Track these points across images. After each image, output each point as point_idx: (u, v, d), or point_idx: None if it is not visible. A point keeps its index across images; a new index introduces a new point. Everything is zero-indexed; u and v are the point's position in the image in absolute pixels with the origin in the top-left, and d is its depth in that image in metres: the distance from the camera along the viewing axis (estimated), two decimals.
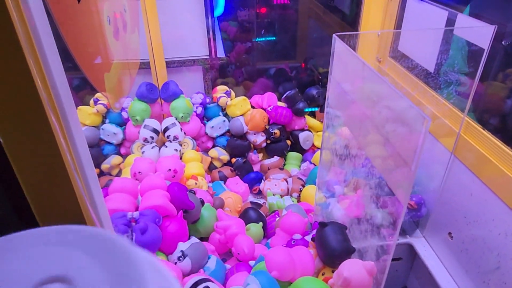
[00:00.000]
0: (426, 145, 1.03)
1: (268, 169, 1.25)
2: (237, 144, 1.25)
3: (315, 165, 1.21)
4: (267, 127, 1.26)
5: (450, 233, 0.93)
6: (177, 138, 1.17)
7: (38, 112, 0.33)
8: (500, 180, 0.74)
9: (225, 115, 1.30)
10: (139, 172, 0.99)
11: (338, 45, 0.68)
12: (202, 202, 0.92)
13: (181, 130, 1.18)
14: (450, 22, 0.85)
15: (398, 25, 1.13)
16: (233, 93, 1.32)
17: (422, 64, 0.97)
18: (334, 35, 0.67)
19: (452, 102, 0.90)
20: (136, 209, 0.81)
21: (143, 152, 1.15)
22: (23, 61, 0.30)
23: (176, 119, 1.19)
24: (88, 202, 0.43)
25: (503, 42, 0.92)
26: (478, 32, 0.76)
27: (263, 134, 1.27)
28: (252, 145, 1.29)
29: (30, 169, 0.35)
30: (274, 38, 2.01)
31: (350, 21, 1.50)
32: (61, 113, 0.37)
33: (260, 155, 1.30)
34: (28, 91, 0.31)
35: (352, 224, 0.81)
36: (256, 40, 1.93)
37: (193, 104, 1.25)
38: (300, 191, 1.14)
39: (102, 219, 0.47)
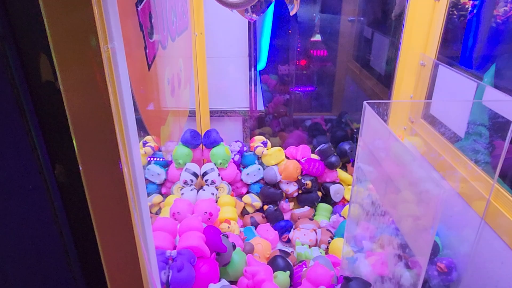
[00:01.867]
0: (457, 208, 1.05)
1: (298, 219, 1.28)
2: (270, 192, 1.31)
3: (344, 218, 1.24)
4: (299, 177, 1.32)
5: None
6: (214, 183, 1.25)
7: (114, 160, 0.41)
8: None
9: (261, 163, 1.37)
10: (178, 212, 1.07)
11: (368, 111, 0.75)
12: (234, 246, 0.97)
13: (219, 175, 1.27)
14: (479, 92, 0.90)
15: (430, 89, 1.19)
16: (269, 143, 1.40)
17: (452, 128, 1.01)
18: (364, 103, 0.74)
19: (482, 168, 0.92)
20: (174, 248, 0.88)
21: (182, 194, 1.23)
22: (111, 126, 0.39)
23: (215, 164, 1.28)
24: (142, 239, 0.50)
25: None
26: (505, 105, 0.80)
27: (295, 184, 1.33)
28: (284, 194, 1.34)
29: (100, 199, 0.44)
30: (311, 90, 2.12)
31: (385, 82, 1.58)
32: (130, 158, 0.46)
33: (291, 204, 1.35)
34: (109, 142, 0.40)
35: (376, 282, 0.82)
36: (295, 90, 2.04)
37: (232, 151, 1.34)
38: (329, 243, 1.17)
39: (150, 254, 0.54)
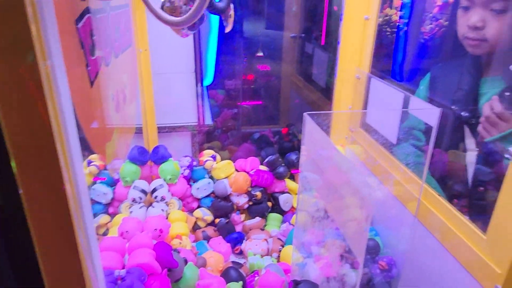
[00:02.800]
0: (394, 209, 1.13)
1: (250, 230, 1.31)
2: (221, 205, 1.33)
3: (294, 226, 1.28)
4: (249, 189, 1.35)
5: None
6: (164, 199, 1.24)
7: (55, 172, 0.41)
8: (455, 243, 0.83)
9: (211, 177, 1.38)
10: (126, 231, 1.05)
11: (309, 122, 0.80)
12: (185, 261, 0.97)
13: (168, 191, 1.26)
14: (406, 102, 1.00)
15: (366, 100, 1.28)
16: (218, 157, 1.42)
17: (385, 135, 1.10)
18: (304, 114, 0.79)
19: (412, 170, 1.01)
20: (123, 267, 0.86)
21: (131, 212, 1.21)
22: (52, 145, 0.39)
23: (164, 180, 1.27)
24: (88, 259, 0.49)
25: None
26: (428, 113, 0.90)
27: (245, 196, 1.35)
28: (235, 206, 1.36)
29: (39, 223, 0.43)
30: (258, 103, 2.18)
31: (326, 94, 1.67)
32: (74, 179, 0.45)
33: (243, 216, 1.37)
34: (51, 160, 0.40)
35: (323, 283, 0.87)
36: (242, 104, 2.09)
37: (181, 166, 1.34)
38: (280, 251, 1.20)
39: (98, 276, 0.53)
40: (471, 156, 1.07)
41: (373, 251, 1.10)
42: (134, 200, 1.22)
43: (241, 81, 2.05)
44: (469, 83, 1.11)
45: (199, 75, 1.38)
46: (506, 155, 0.62)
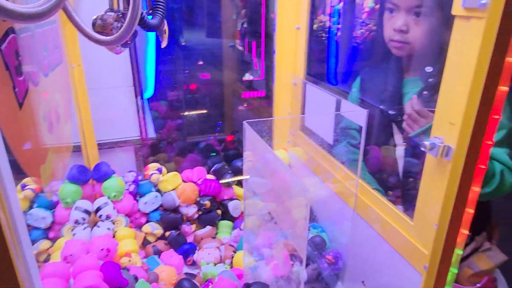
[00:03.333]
0: (337, 205, 1.20)
1: (201, 239, 1.31)
2: (170, 217, 1.31)
3: None
4: (198, 199, 1.35)
5: (363, 282, 1.06)
6: (109, 217, 1.20)
7: None
8: (389, 231, 0.90)
9: (158, 190, 1.36)
10: (70, 255, 1.00)
11: (248, 130, 0.83)
12: (136, 279, 0.95)
13: (114, 208, 1.22)
14: (339, 105, 1.07)
15: (303, 104, 1.35)
16: (164, 169, 1.40)
17: (323, 137, 1.17)
18: (244, 122, 0.82)
19: (349, 168, 1.09)
20: None
21: (74, 234, 1.15)
22: None
23: (109, 198, 1.23)
24: None
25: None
26: (357, 114, 0.97)
27: (194, 206, 1.35)
28: (184, 217, 1.35)
29: None
30: (202, 113, 2.18)
31: (268, 101, 1.73)
32: (7, 205, 0.44)
33: (193, 226, 1.36)
34: None
35: (273, 283, 0.90)
36: (186, 114, 2.08)
37: (126, 182, 1.31)
38: (232, 257, 1.21)
39: None
40: (400, 150, 1.18)
41: (319, 247, 1.16)
42: (77, 222, 1.17)
43: (183, 91, 2.05)
44: (393, 84, 1.21)
45: (139, 88, 1.36)
46: (422, 148, 0.70)
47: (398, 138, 1.19)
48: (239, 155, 1.61)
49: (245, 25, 2.01)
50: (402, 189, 1.18)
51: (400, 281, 0.88)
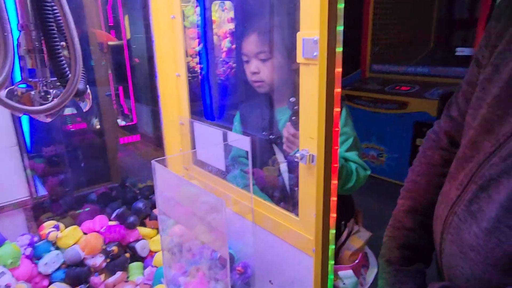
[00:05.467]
0: (238, 223, 1.38)
1: (114, 286, 1.32)
2: (77, 272, 1.29)
3: (156, 267, 1.37)
4: (104, 247, 1.36)
5: (270, 281, 1.25)
6: (9, 286, 1.12)
7: None
8: (282, 230, 1.12)
9: (57, 248, 1.32)
10: None
11: (158, 167, 0.95)
12: None
13: (13, 276, 1.15)
14: (225, 136, 1.27)
15: (193, 140, 1.52)
16: (62, 225, 1.37)
17: (216, 166, 1.35)
18: (153, 162, 0.94)
19: (243, 188, 1.29)
20: None
21: None
22: None
23: (5, 266, 1.15)
24: None
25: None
26: (242, 141, 1.19)
27: (101, 255, 1.36)
28: (92, 269, 1.34)
29: None
30: (84, 164, 2.13)
31: (156, 143, 1.84)
32: None
33: (102, 276, 1.36)
34: None
35: None
36: (69, 168, 2.02)
37: (21, 246, 1.24)
38: None
39: None
40: (283, 166, 1.45)
41: (230, 261, 1.31)
42: None
43: (62, 144, 1.99)
44: (268, 114, 1.49)
45: (24, 147, 1.32)
46: (295, 159, 0.94)
47: (280, 157, 1.45)
48: (136, 197, 1.67)
49: (109, 71, 2.09)
50: (289, 196, 1.44)
51: (298, 268, 1.10)
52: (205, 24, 1.79)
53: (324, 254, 0.98)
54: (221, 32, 2.24)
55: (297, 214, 1.06)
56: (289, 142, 1.33)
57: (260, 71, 1.36)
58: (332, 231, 0.98)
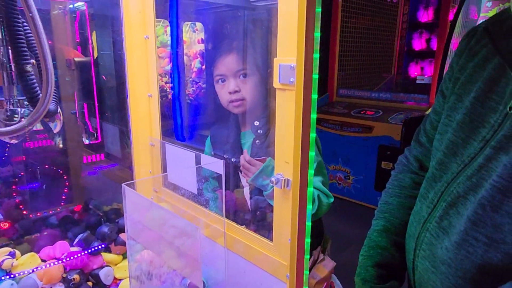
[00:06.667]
0: (208, 248, 1.34)
1: None
2: None
3: None
4: (64, 275, 1.27)
5: None
6: None
7: None
8: (256, 256, 1.10)
9: (12, 277, 1.22)
10: None
11: (128, 191, 0.91)
12: None
13: None
14: (198, 159, 1.25)
15: (164, 162, 1.48)
16: (18, 253, 1.27)
17: (188, 189, 1.32)
18: (123, 185, 0.90)
19: (214, 211, 1.26)
20: None
21: None
22: None
23: None
24: None
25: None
26: (215, 165, 1.17)
27: (60, 284, 1.27)
28: None
29: None
30: (44, 186, 2.02)
31: (124, 163, 1.77)
32: None
33: None
34: None
35: None
36: (25, 190, 1.90)
37: None
38: None
39: None
40: (247, 191, 1.44)
41: None
42: None
43: (18, 163, 1.88)
44: (234, 137, 1.49)
45: None
46: (270, 184, 0.94)
47: (244, 181, 1.45)
48: (101, 221, 1.59)
49: (75, 88, 2.02)
50: (258, 221, 1.42)
51: None
52: (177, 44, 1.79)
53: (299, 280, 0.97)
54: (191, 53, 2.24)
55: (271, 239, 1.05)
56: (245, 169, 1.33)
57: (241, 88, 1.36)
58: (307, 257, 0.98)
